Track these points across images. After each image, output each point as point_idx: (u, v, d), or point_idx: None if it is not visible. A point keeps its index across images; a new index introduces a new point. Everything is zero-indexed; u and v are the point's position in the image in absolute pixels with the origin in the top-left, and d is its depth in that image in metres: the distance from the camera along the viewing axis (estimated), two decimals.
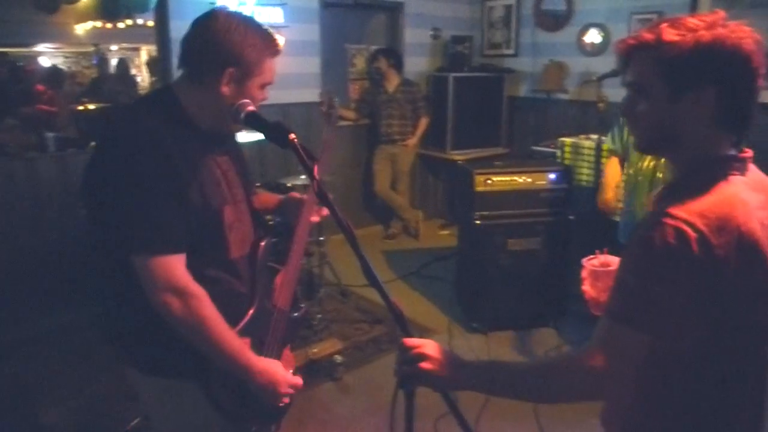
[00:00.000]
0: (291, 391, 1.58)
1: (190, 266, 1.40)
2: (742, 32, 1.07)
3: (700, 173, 1.12)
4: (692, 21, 1.09)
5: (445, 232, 5.87)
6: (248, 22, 1.45)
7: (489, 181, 3.71)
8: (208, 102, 1.44)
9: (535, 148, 5.25)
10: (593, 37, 5.14)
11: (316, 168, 1.34)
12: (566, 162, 4.46)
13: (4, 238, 3.85)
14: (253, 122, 1.41)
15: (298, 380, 1.62)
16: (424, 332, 3.86)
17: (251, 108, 1.42)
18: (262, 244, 1.63)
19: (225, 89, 1.41)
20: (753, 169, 1.18)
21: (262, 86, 1.47)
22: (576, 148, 4.44)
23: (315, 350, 3.36)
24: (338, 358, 3.32)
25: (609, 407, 1.37)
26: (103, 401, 3.07)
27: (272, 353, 1.63)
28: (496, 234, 3.72)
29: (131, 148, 1.35)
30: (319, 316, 3.84)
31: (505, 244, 3.73)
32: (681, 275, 1.02)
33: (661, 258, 1.03)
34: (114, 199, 1.35)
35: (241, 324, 1.52)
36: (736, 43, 1.05)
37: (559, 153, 4.62)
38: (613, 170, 3.23)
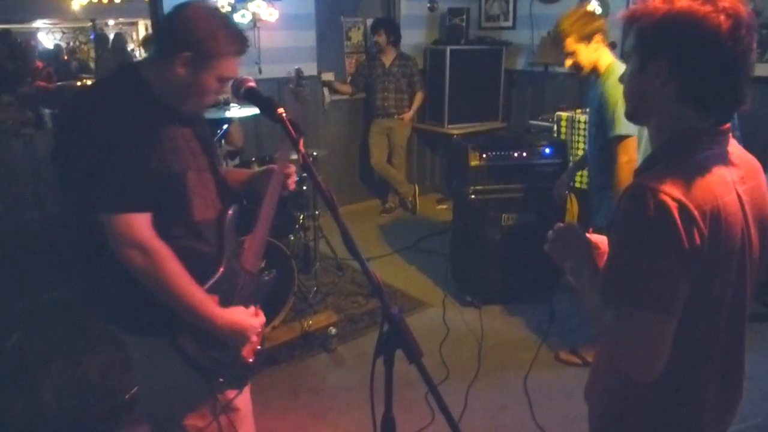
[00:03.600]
0: (256, 334, 1.70)
1: (156, 227, 1.49)
2: (723, 8, 1.04)
3: (675, 146, 1.13)
4: None
5: (442, 206, 5.89)
6: (220, 17, 1.57)
7: (484, 156, 3.72)
8: (166, 78, 1.53)
9: (532, 122, 5.23)
10: (594, 7, 5.05)
11: (301, 141, 1.41)
12: (563, 136, 4.46)
13: (2, 214, 3.89)
14: (250, 97, 1.53)
15: (261, 319, 1.73)
16: (418, 305, 3.91)
17: (251, 84, 1.55)
18: (230, 209, 1.72)
19: (180, 71, 1.51)
20: (733, 143, 1.19)
21: (219, 79, 1.55)
22: (572, 123, 4.43)
23: (310, 322, 3.41)
24: (332, 330, 3.37)
25: (590, 382, 1.41)
26: (102, 372, 3.13)
27: None
28: (490, 209, 3.74)
29: (94, 115, 1.45)
30: (315, 289, 3.90)
31: (499, 218, 3.75)
32: (668, 245, 1.03)
33: (646, 231, 1.05)
34: (79, 164, 1.45)
35: (210, 282, 1.61)
36: (702, 17, 1.03)
37: (555, 127, 4.61)
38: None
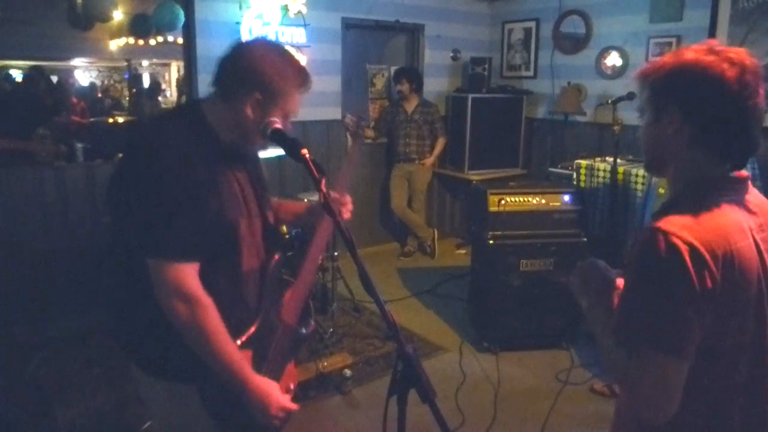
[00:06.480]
0: (281, 414, 1.57)
1: (203, 274, 1.44)
2: (726, 57, 1.10)
3: (690, 192, 1.17)
4: (685, 48, 1.16)
5: (462, 251, 5.89)
6: (285, 55, 1.54)
7: (503, 202, 3.75)
8: (232, 121, 1.51)
9: (552, 169, 5.27)
10: (614, 59, 5.17)
11: (323, 181, 1.39)
12: (582, 184, 4.48)
13: (32, 244, 4.01)
14: (276, 138, 1.50)
15: (292, 406, 1.61)
16: (434, 350, 3.88)
17: (278, 125, 1.50)
18: (275, 258, 1.67)
19: (248, 112, 1.48)
20: (753, 192, 1.22)
21: (284, 116, 1.53)
22: (591, 171, 4.46)
23: (325, 364, 3.41)
24: (348, 373, 3.36)
25: (612, 429, 1.40)
26: (117, 404, 3.15)
27: (275, 367, 1.66)
28: (508, 254, 3.74)
29: (159, 156, 1.41)
30: (331, 330, 3.90)
31: (517, 264, 3.75)
32: (679, 287, 1.05)
33: (657, 272, 1.07)
34: (138, 204, 1.41)
35: (245, 337, 1.55)
36: (707, 66, 1.10)
37: (575, 175, 4.63)
38: None
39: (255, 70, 1.46)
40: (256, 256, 1.61)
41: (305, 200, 4.02)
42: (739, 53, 1.12)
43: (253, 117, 1.48)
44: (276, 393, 1.56)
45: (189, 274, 1.41)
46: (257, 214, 1.62)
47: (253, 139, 1.54)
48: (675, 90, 1.14)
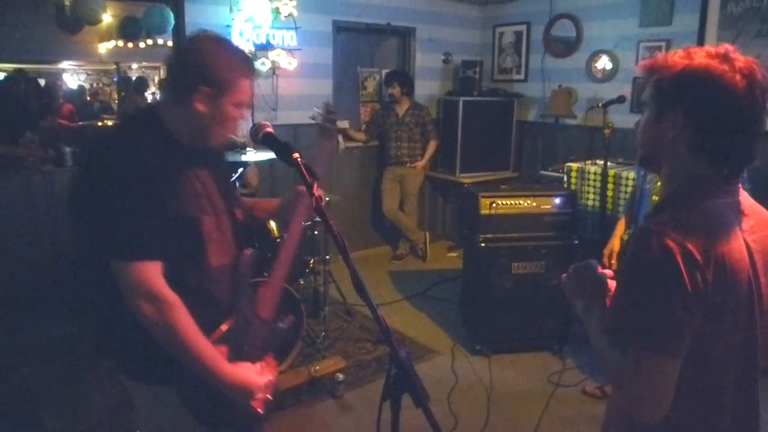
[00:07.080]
0: (264, 393, 1.60)
1: (169, 273, 1.45)
2: (739, 69, 1.09)
3: (683, 193, 1.17)
4: (697, 50, 1.14)
5: (453, 254, 5.90)
6: (225, 44, 1.55)
7: (494, 205, 3.75)
8: (186, 119, 1.52)
9: (543, 172, 5.29)
10: (604, 63, 5.20)
11: (315, 185, 1.41)
12: (573, 187, 4.50)
13: (21, 249, 3.96)
14: (267, 141, 1.51)
15: (270, 377, 1.64)
16: (426, 353, 3.88)
17: (269, 129, 1.52)
18: (246, 253, 1.68)
19: (200, 107, 1.49)
20: (744, 195, 1.22)
21: (237, 105, 1.54)
22: (582, 173, 4.48)
23: (317, 368, 3.39)
24: (340, 376, 3.35)
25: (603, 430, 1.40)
26: (106, 411, 3.11)
27: (251, 361, 1.65)
28: (500, 257, 3.75)
29: (112, 161, 1.43)
30: (323, 334, 3.88)
31: (509, 267, 3.76)
32: (671, 288, 1.05)
33: (649, 272, 1.07)
34: (95, 209, 1.43)
35: (217, 333, 1.56)
36: (719, 75, 1.08)
37: (565, 178, 4.65)
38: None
39: (200, 65, 1.48)
40: (227, 253, 1.62)
41: None
42: (750, 65, 1.10)
43: (206, 112, 1.49)
44: (252, 375, 1.57)
45: (152, 272, 1.41)
46: (224, 211, 1.63)
47: (211, 134, 1.55)
48: (683, 92, 1.12)
